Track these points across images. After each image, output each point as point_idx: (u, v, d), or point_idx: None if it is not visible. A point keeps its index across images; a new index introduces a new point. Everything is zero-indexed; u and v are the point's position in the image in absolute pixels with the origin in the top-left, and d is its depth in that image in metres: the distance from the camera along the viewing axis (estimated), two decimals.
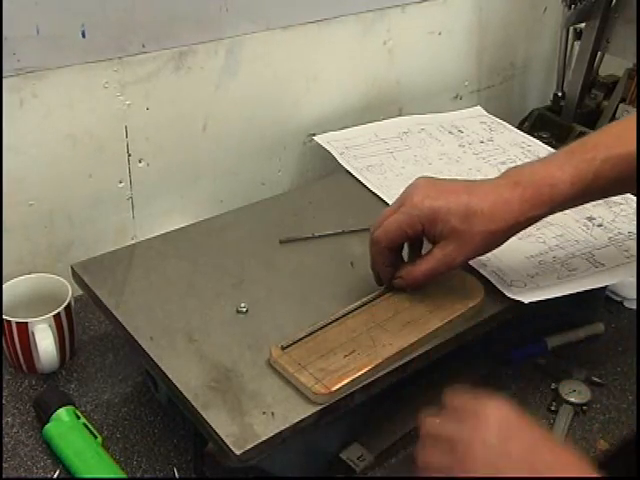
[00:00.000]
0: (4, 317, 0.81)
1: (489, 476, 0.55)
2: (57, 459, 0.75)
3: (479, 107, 1.20)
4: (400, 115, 1.20)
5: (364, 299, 0.76)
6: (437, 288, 0.77)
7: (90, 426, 0.77)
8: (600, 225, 0.91)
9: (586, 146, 0.74)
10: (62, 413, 0.77)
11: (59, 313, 0.82)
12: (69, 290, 0.84)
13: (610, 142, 0.73)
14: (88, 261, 0.82)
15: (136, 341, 0.72)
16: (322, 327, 0.72)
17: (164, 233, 0.87)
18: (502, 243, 0.75)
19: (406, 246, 0.77)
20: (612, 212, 0.93)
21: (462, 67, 1.29)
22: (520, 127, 1.21)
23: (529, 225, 0.74)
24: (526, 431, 0.57)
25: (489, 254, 0.76)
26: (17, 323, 0.81)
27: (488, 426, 0.57)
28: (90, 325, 0.92)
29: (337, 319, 0.73)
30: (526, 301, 0.77)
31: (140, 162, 0.97)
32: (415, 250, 0.77)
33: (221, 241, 0.86)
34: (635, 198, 0.94)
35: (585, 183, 0.71)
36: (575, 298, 0.80)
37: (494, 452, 0.55)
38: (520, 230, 0.74)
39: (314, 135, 1.09)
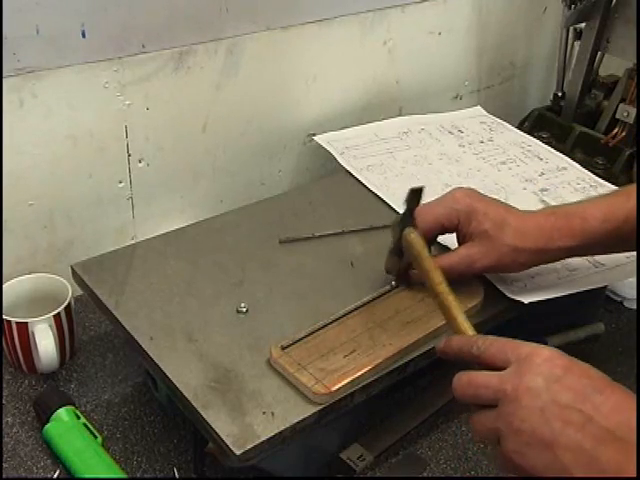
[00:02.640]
0: (4, 317, 0.81)
1: (537, 428, 0.53)
2: (57, 459, 0.75)
3: (479, 107, 1.20)
4: (400, 115, 1.20)
5: (364, 299, 0.76)
6: None
7: (90, 426, 0.77)
8: None
9: (621, 191, 0.78)
10: (62, 413, 0.77)
11: (59, 313, 0.82)
12: (69, 290, 0.84)
13: None
14: (88, 261, 0.82)
15: (136, 341, 0.72)
16: (322, 327, 0.72)
17: (164, 233, 0.87)
18: (528, 267, 0.77)
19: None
20: None
21: (462, 67, 1.29)
22: (520, 127, 1.21)
23: (558, 257, 0.76)
24: (572, 374, 0.54)
25: None
26: (17, 323, 0.81)
27: (531, 374, 0.54)
28: (90, 325, 0.92)
29: (337, 319, 0.74)
30: (526, 301, 0.78)
31: (140, 162, 0.97)
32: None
33: (221, 241, 0.86)
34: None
35: (617, 223, 0.73)
36: (575, 298, 0.80)
37: (541, 401, 0.53)
38: (548, 259, 0.76)
39: (314, 135, 1.09)
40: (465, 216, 0.75)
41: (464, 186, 0.79)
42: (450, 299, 0.66)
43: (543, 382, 0.54)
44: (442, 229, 0.77)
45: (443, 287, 0.67)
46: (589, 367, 0.56)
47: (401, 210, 0.92)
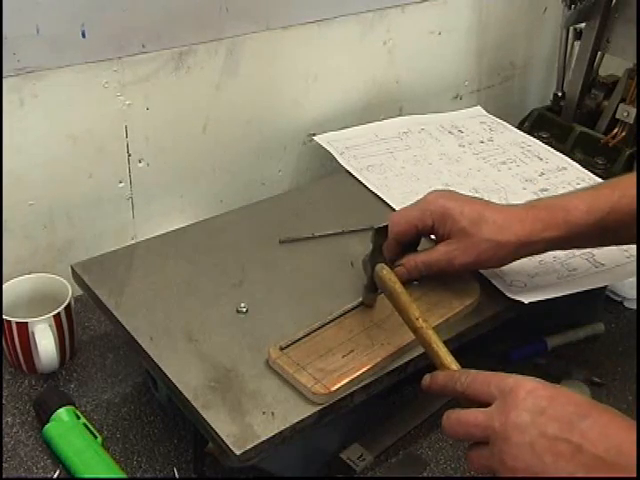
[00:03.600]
0: (4, 317, 0.81)
1: (530, 464, 0.53)
2: (57, 459, 0.75)
3: (479, 107, 1.20)
4: (400, 115, 1.20)
5: (360, 299, 0.76)
6: (433, 286, 0.77)
7: (90, 426, 0.77)
8: None
9: (605, 184, 0.78)
10: (62, 413, 0.77)
11: (59, 313, 0.82)
12: (69, 290, 0.84)
13: (630, 183, 0.74)
14: (88, 261, 0.82)
15: (136, 341, 0.72)
16: (320, 327, 0.72)
17: (164, 233, 0.87)
18: (512, 260, 0.76)
19: None
20: None
21: (462, 67, 1.29)
22: (520, 127, 1.21)
23: (541, 249, 0.75)
24: (556, 403, 0.55)
25: None
26: (17, 323, 0.81)
27: (517, 410, 0.55)
28: (90, 325, 0.92)
29: (334, 319, 0.74)
30: (526, 301, 0.77)
31: (140, 162, 0.97)
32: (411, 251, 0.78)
33: (221, 241, 0.86)
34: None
35: (601, 214, 0.72)
36: (575, 298, 0.80)
37: (529, 436, 0.53)
38: (534, 251, 0.75)
39: (314, 135, 1.09)
40: (439, 217, 0.75)
41: (440, 188, 0.79)
42: (430, 333, 0.65)
43: (529, 416, 0.54)
44: (416, 232, 0.76)
45: (421, 322, 0.66)
46: (573, 393, 0.56)
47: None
